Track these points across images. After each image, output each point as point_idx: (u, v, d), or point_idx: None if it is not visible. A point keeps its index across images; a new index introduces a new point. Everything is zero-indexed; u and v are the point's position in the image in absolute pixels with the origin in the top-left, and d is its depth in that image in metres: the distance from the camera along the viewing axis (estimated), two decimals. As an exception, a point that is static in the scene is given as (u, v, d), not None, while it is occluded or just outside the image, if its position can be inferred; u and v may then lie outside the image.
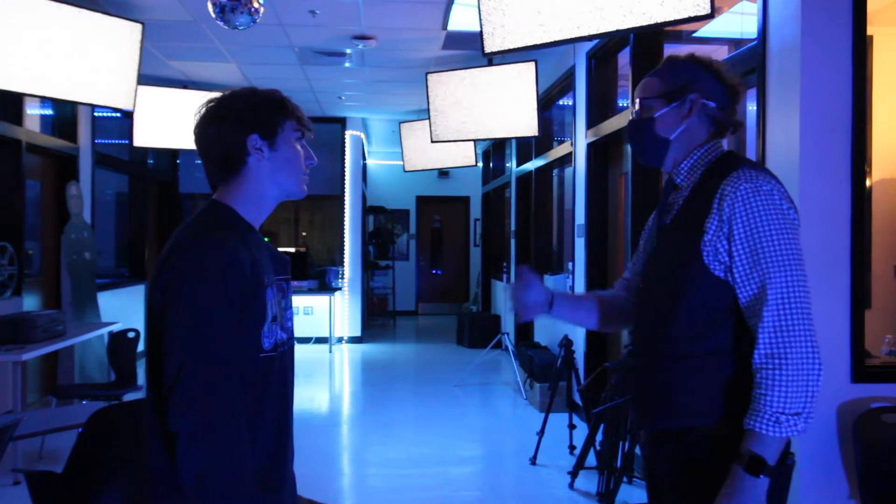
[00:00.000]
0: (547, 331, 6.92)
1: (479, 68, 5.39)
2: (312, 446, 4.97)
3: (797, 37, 2.67)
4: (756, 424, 1.41)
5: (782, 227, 1.44)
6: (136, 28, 4.63)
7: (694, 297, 1.51)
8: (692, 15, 2.88)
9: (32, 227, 5.65)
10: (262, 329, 1.35)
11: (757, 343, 1.43)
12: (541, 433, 4.57)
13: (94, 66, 4.41)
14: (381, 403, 6.31)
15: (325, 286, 9.03)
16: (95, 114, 6.53)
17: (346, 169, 9.49)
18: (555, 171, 7.25)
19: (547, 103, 6.90)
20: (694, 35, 4.89)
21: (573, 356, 4.74)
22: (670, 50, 4.54)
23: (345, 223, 9.52)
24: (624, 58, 5.00)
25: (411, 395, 6.81)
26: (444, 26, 5.49)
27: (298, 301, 9.04)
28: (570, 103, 6.00)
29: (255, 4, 3.80)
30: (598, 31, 3.14)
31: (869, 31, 2.71)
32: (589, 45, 5.26)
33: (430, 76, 5.53)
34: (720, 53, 4.66)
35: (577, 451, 4.37)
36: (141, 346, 4.93)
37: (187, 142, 7.32)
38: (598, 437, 3.94)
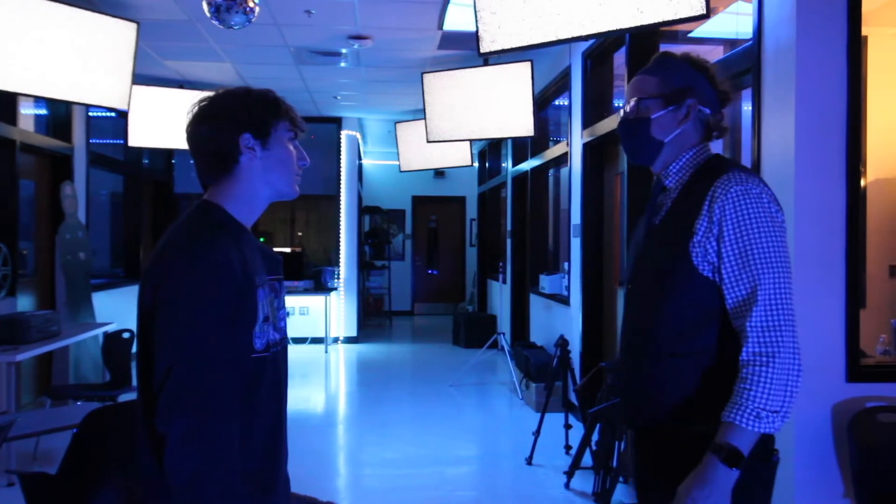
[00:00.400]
0: (543, 331, 6.92)
1: (474, 68, 5.39)
2: (308, 446, 4.96)
3: (792, 37, 2.68)
4: (736, 418, 1.43)
5: (771, 230, 1.47)
6: (130, 27, 4.62)
7: (682, 297, 1.53)
8: (688, 15, 2.88)
9: (27, 227, 5.63)
10: (254, 329, 1.34)
11: (746, 340, 1.45)
12: (537, 433, 4.57)
13: (88, 65, 4.39)
14: (377, 403, 6.30)
15: (321, 286, 9.02)
16: (90, 113, 6.51)
17: (341, 169, 9.48)
18: (550, 171, 7.26)
19: (543, 103, 6.91)
20: (689, 35, 4.89)
21: (569, 356, 4.74)
22: (666, 50, 4.54)
23: (340, 223, 9.51)
24: (620, 58, 5.00)
25: (407, 395, 6.80)
26: (440, 26, 5.49)
27: (294, 301, 9.04)
28: (566, 103, 6.00)
29: (251, 4, 3.79)
30: (594, 31, 3.14)
31: (863, 32, 2.72)
32: (585, 45, 5.27)
33: (425, 76, 5.52)
34: (715, 54, 4.67)
35: (573, 451, 4.38)
36: (136, 347, 4.90)
37: (182, 142, 7.31)
38: (594, 436, 3.94)
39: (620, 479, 3.73)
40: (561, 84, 6.25)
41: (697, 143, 1.63)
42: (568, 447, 4.62)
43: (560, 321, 6.09)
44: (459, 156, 7.08)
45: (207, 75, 7.02)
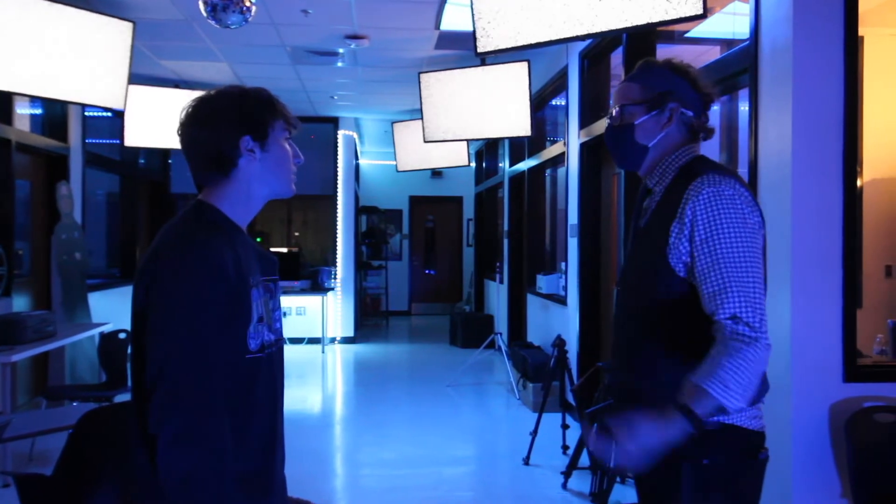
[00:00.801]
0: (540, 331, 6.92)
1: (471, 68, 5.38)
2: (305, 447, 4.95)
3: (789, 37, 2.68)
4: (705, 382, 1.44)
5: (741, 231, 1.49)
6: (126, 27, 4.60)
7: (664, 297, 1.56)
8: (685, 15, 2.88)
9: (22, 227, 5.61)
10: (248, 330, 1.33)
11: (723, 328, 1.47)
12: (534, 433, 4.57)
13: (84, 65, 4.38)
14: (374, 404, 6.29)
15: (318, 286, 9.00)
16: (86, 113, 6.49)
17: (338, 169, 9.47)
18: (547, 171, 7.26)
19: (540, 103, 6.91)
20: (686, 35, 4.90)
21: (566, 356, 4.74)
22: (663, 50, 4.55)
23: (337, 223, 9.50)
24: (617, 58, 5.01)
25: (404, 395, 6.80)
26: (437, 26, 5.48)
27: (291, 301, 9.02)
28: (563, 103, 6.00)
29: (247, 3, 3.79)
30: (591, 31, 3.14)
31: (860, 32, 2.72)
32: (582, 45, 5.27)
33: (422, 76, 5.52)
34: (712, 54, 4.67)
35: (570, 451, 4.38)
36: (130, 348, 4.89)
37: (179, 142, 7.35)
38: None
39: (617, 479, 3.72)
40: (558, 84, 6.25)
41: (681, 146, 1.66)
42: (565, 447, 4.62)
43: (557, 321, 6.09)
44: (456, 156, 7.08)
45: (204, 75, 7.01)
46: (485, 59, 5.27)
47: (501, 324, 8.44)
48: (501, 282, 8.35)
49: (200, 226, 1.35)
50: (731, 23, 4.28)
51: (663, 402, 1.47)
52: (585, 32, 3.16)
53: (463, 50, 5.86)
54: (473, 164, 10.97)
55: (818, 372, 2.64)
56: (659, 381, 1.56)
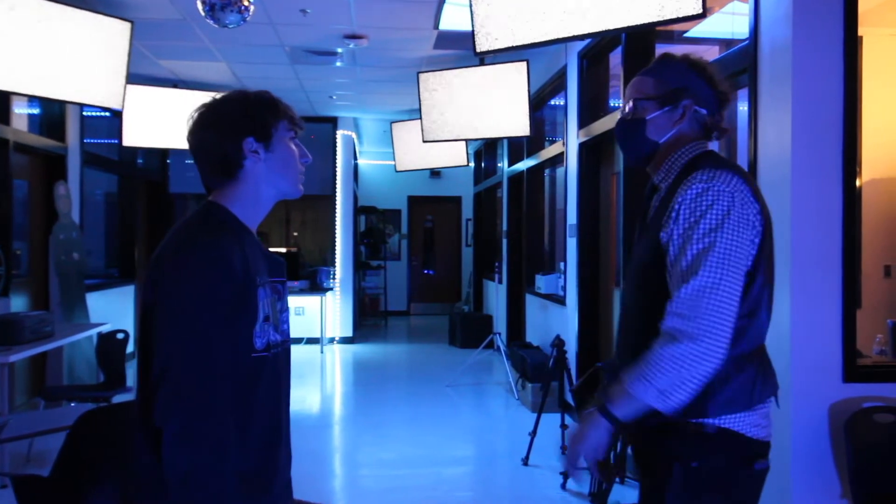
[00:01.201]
0: (539, 331, 6.92)
1: (470, 68, 5.38)
2: (304, 447, 4.94)
3: (788, 37, 2.68)
4: (624, 376, 1.45)
5: (721, 227, 1.44)
6: (125, 26, 4.59)
7: (660, 293, 1.52)
8: (684, 14, 2.87)
9: (20, 227, 5.60)
10: (254, 328, 1.34)
11: (666, 315, 1.45)
12: (533, 433, 4.56)
13: (82, 64, 4.37)
14: (372, 404, 6.29)
15: (317, 286, 8.99)
16: (84, 113, 6.48)
17: (337, 169, 9.46)
18: (546, 171, 7.25)
19: (538, 103, 6.90)
20: (685, 35, 4.89)
21: (565, 356, 4.74)
22: (662, 50, 4.55)
23: (336, 223, 9.49)
24: (616, 58, 5.00)
25: (404, 395, 6.79)
26: (436, 26, 5.47)
27: (290, 301, 8.94)
28: (562, 103, 6.00)
29: (245, 3, 3.78)
30: (590, 31, 3.13)
31: (859, 32, 2.71)
32: (581, 44, 5.26)
33: (421, 76, 5.51)
34: (711, 54, 4.67)
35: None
36: (130, 348, 4.89)
37: (177, 141, 7.33)
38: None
39: (617, 479, 3.72)
40: (557, 84, 6.24)
41: (691, 142, 1.63)
42: (564, 448, 4.61)
43: (556, 321, 6.09)
44: (455, 156, 7.07)
45: (202, 75, 7.00)
46: (483, 58, 5.26)
47: (500, 324, 8.44)
48: (500, 282, 8.35)
49: (208, 225, 1.37)
50: (731, 23, 4.27)
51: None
52: (584, 32, 3.15)
53: (462, 50, 5.86)
54: (472, 165, 10.97)
55: (818, 372, 2.64)
56: None
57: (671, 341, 1.42)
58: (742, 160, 3.17)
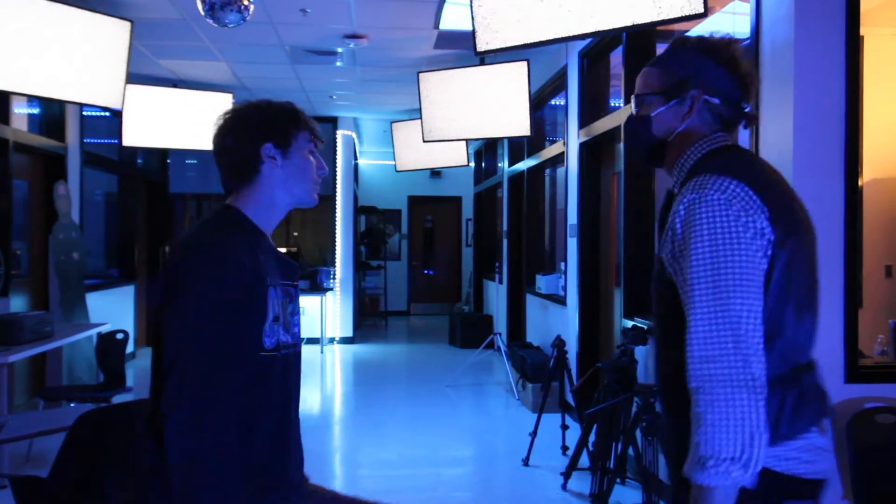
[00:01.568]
0: (539, 331, 6.91)
1: (471, 68, 5.37)
2: (304, 447, 4.93)
3: (790, 36, 2.67)
4: (686, 469, 1.24)
5: (712, 243, 1.26)
6: (124, 26, 4.59)
7: (675, 309, 1.36)
8: (686, 14, 2.87)
9: (20, 227, 5.59)
10: (263, 327, 1.38)
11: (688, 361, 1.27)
12: (533, 434, 4.56)
13: (82, 64, 4.36)
14: (372, 404, 6.28)
15: (317, 286, 8.99)
16: (84, 113, 6.48)
17: (337, 169, 9.45)
18: (547, 171, 7.25)
19: (539, 103, 6.89)
20: (685, 35, 4.88)
21: (566, 356, 4.73)
22: (663, 49, 4.53)
23: (336, 223, 9.48)
24: (616, 57, 4.99)
25: (403, 395, 6.78)
26: (436, 25, 5.47)
27: (290, 301, 8.99)
28: (563, 103, 5.99)
29: (245, 2, 3.77)
30: (591, 30, 3.12)
31: (860, 31, 2.71)
32: (581, 44, 5.25)
33: (421, 75, 5.50)
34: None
35: (569, 452, 4.37)
36: (130, 348, 4.87)
37: (177, 141, 7.32)
38: (591, 437, 3.93)
39: (617, 480, 3.71)
40: (557, 84, 6.23)
41: (706, 137, 1.43)
42: (565, 448, 4.60)
43: (557, 321, 6.08)
44: (455, 156, 7.06)
45: (202, 74, 6.99)
46: (484, 58, 5.25)
47: (501, 324, 8.43)
48: (500, 282, 8.34)
49: (222, 226, 1.43)
50: (731, 22, 4.26)
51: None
52: (585, 31, 3.14)
53: (462, 49, 5.85)
54: (472, 164, 10.96)
55: (820, 371, 2.63)
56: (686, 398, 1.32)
57: (705, 402, 1.23)
58: (743, 160, 3.15)
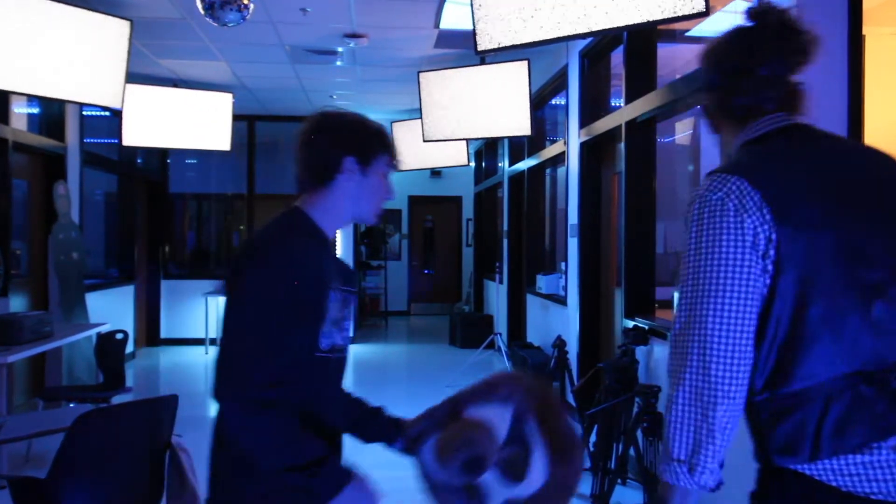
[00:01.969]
0: (540, 331, 6.90)
1: (471, 67, 5.37)
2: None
3: (792, 35, 2.65)
4: (659, 466, 1.27)
5: (697, 248, 1.23)
6: (123, 25, 4.58)
7: None
8: (687, 13, 2.86)
9: (19, 227, 5.58)
10: (323, 328, 1.45)
11: None
12: (534, 434, 4.53)
13: (81, 63, 4.35)
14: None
15: (317, 286, 8.96)
16: (84, 113, 6.47)
17: (337, 168, 9.43)
18: (547, 171, 7.24)
19: (539, 102, 6.88)
20: (687, 34, 4.87)
21: (566, 357, 4.72)
22: (663, 49, 4.53)
23: (336, 223, 9.47)
24: (617, 57, 4.98)
25: (404, 396, 6.77)
26: (437, 25, 5.46)
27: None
28: (563, 102, 5.98)
29: (245, 1, 3.76)
30: (592, 29, 3.11)
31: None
32: (582, 43, 5.24)
33: (422, 75, 5.50)
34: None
35: (570, 453, 4.34)
36: (130, 348, 4.86)
37: (177, 141, 7.29)
38: (592, 438, 3.91)
39: (618, 480, 3.70)
40: (558, 83, 6.22)
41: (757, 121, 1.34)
42: (565, 448, 4.58)
43: (557, 321, 6.07)
44: (456, 155, 7.05)
45: (202, 74, 6.98)
46: (484, 57, 5.24)
47: (501, 324, 8.42)
48: (501, 282, 8.33)
49: (293, 230, 1.49)
50: (733, 21, 4.25)
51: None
52: (586, 31, 3.13)
53: (462, 49, 5.84)
54: (473, 164, 10.95)
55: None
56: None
57: (674, 400, 1.23)
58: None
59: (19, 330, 4.12)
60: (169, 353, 8.53)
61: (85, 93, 4.45)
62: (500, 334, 7.85)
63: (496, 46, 3.42)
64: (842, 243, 1.21)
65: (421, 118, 5.55)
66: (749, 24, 1.34)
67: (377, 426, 1.65)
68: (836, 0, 2.64)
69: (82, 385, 5.32)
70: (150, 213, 8.88)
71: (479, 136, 5.61)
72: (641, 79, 4.32)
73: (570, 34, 3.18)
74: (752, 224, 1.20)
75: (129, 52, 4.63)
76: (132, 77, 5.03)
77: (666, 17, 2.91)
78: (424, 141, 5.62)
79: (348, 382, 6.39)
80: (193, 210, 10.09)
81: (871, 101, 3.43)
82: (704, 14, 2.85)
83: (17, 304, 5.35)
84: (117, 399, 4.51)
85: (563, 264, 6.02)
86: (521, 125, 5.21)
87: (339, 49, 6.10)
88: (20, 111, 5.64)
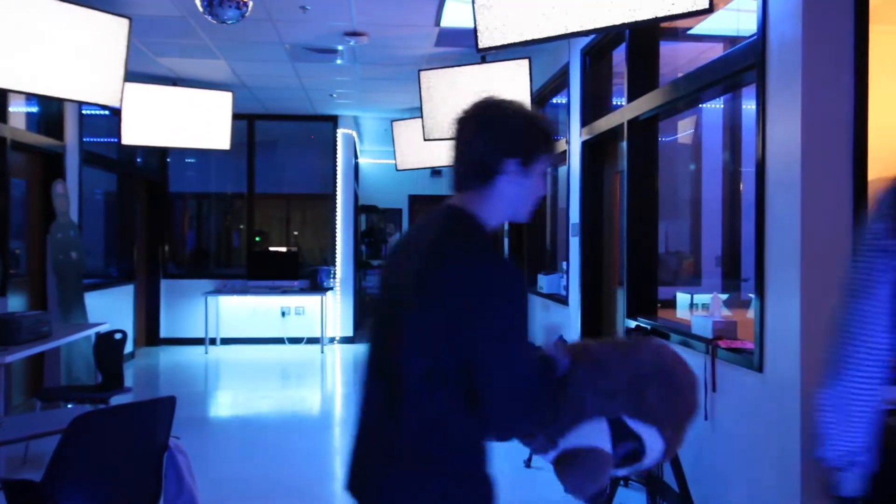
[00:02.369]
0: (541, 331, 6.86)
1: (472, 65, 5.34)
2: (304, 449, 4.90)
3: (798, 32, 2.62)
4: None
5: None
6: (122, 23, 4.55)
7: None
8: (691, 10, 2.82)
9: (18, 226, 5.55)
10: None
11: None
12: (535, 435, 4.51)
13: (80, 61, 4.32)
14: (373, 405, 6.22)
15: (317, 286, 8.95)
16: (83, 111, 6.44)
17: (337, 168, 9.41)
18: (548, 170, 7.20)
19: (541, 101, 6.85)
20: (689, 32, 4.84)
21: (568, 357, 4.68)
22: (666, 47, 4.49)
23: (336, 222, 9.44)
24: (619, 55, 4.95)
25: (404, 396, 6.73)
26: (437, 22, 5.42)
27: (290, 301, 8.97)
28: (565, 101, 5.94)
29: (244, -2, 3.73)
30: (595, 27, 3.08)
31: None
32: (583, 42, 5.21)
33: (422, 73, 5.47)
34: (714, 51, 4.62)
35: (572, 454, 4.32)
36: (129, 348, 4.84)
37: (176, 140, 7.24)
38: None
39: (620, 482, 3.67)
40: (559, 82, 6.19)
41: None
42: (567, 449, 4.56)
43: (558, 321, 6.04)
44: (456, 154, 7.00)
45: (201, 73, 6.95)
46: (485, 56, 5.21)
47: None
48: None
49: (484, 236, 1.45)
50: (735, 19, 4.22)
51: None
52: (589, 28, 3.10)
53: (463, 47, 5.80)
54: (473, 163, 10.90)
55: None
56: None
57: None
58: (749, 159, 3.12)
59: (17, 330, 4.10)
60: (168, 352, 8.51)
61: (84, 91, 4.42)
62: (501, 334, 7.81)
63: (498, 44, 3.39)
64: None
65: (421, 117, 5.52)
66: None
67: None
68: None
69: (81, 385, 5.30)
70: (150, 212, 8.85)
71: (480, 135, 5.57)
72: (644, 77, 4.28)
73: (573, 31, 3.15)
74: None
75: (129, 51, 4.60)
76: (131, 75, 5.00)
77: (670, 14, 2.88)
78: (425, 140, 5.59)
79: (350, 383, 6.31)
80: (193, 209, 10.06)
81: (874, 99, 3.40)
82: (708, 11, 2.82)
83: (15, 303, 5.33)
84: (116, 399, 4.48)
85: (564, 264, 5.99)
86: (522, 124, 5.18)
87: (340, 47, 6.07)
88: (19, 110, 5.62)
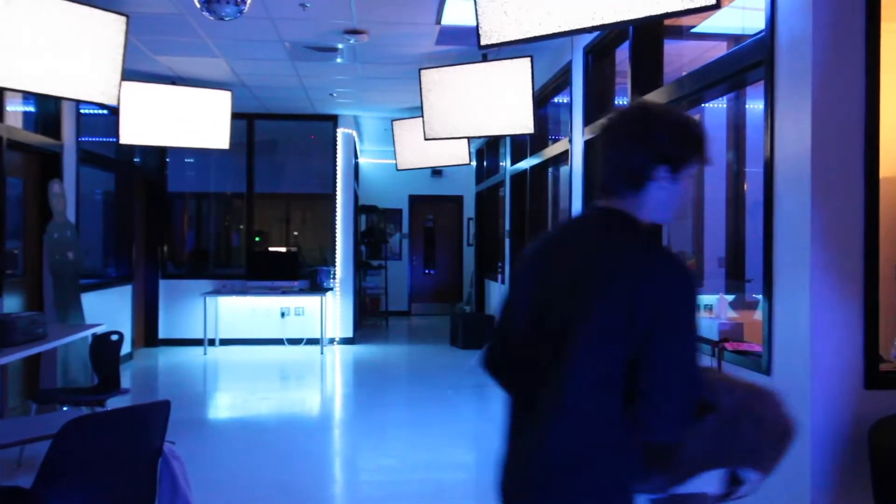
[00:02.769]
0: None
1: (473, 64, 5.28)
2: (303, 450, 4.84)
3: (808, 27, 2.57)
4: None
5: None
6: (120, 21, 4.49)
7: None
8: (697, 6, 2.77)
9: (14, 226, 5.50)
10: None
11: None
12: (537, 438, 4.46)
13: (76, 60, 4.27)
14: (373, 406, 6.18)
15: (317, 286, 8.89)
16: (81, 110, 6.38)
17: (337, 167, 9.35)
18: (550, 170, 7.15)
19: (542, 100, 6.80)
20: (693, 31, 4.79)
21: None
22: (669, 45, 4.43)
23: (336, 222, 9.39)
24: (622, 53, 4.90)
25: (404, 397, 6.69)
26: (438, 21, 5.37)
27: (289, 302, 8.91)
28: (567, 100, 5.89)
29: (242, -6, 3.67)
30: (599, 23, 3.02)
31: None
32: (586, 40, 5.16)
33: (423, 72, 5.41)
34: (719, 50, 4.56)
35: (574, 457, 4.27)
36: (127, 349, 4.78)
37: (175, 139, 7.19)
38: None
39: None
40: (561, 80, 6.13)
41: None
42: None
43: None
44: (457, 154, 6.97)
45: (200, 71, 6.89)
46: (487, 55, 5.16)
47: (502, 325, 8.32)
48: (503, 282, 8.24)
49: (656, 236, 1.50)
50: (741, 17, 4.16)
51: None
52: (593, 24, 3.04)
53: (464, 45, 5.75)
54: (474, 163, 10.87)
55: (839, 377, 2.53)
56: None
57: None
58: (757, 158, 3.06)
59: (11, 331, 4.04)
60: (167, 353, 8.45)
61: (81, 89, 4.36)
62: (502, 335, 7.76)
63: (499, 41, 3.33)
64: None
65: (422, 116, 5.47)
66: None
67: None
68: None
69: (77, 387, 5.23)
70: (149, 212, 8.80)
71: (482, 135, 5.53)
72: (647, 75, 4.23)
73: (576, 28, 3.09)
74: None
75: (126, 49, 4.55)
76: (129, 74, 4.95)
77: (676, 10, 2.82)
78: (426, 139, 5.54)
79: (349, 384, 6.24)
80: (192, 209, 10.00)
81: (884, 97, 3.34)
82: (715, 7, 2.76)
83: (12, 304, 5.27)
84: (113, 401, 4.43)
85: (566, 264, 5.93)
86: (523, 123, 5.13)
87: (340, 46, 6.02)
88: (15, 108, 5.56)
